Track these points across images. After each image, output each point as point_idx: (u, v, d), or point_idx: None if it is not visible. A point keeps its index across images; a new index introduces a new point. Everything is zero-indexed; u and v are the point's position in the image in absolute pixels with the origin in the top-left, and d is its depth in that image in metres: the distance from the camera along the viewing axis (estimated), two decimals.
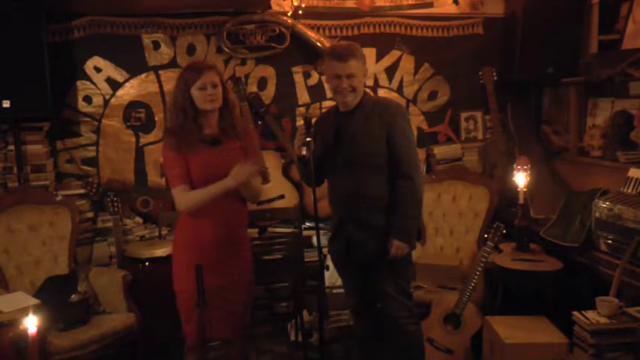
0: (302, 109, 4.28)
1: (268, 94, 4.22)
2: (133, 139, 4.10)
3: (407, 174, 2.68)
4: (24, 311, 2.67)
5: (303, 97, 4.28)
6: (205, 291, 2.48)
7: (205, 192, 2.58)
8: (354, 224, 2.75)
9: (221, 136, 2.68)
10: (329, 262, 4.13)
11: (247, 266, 2.82)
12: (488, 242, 3.25)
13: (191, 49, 4.10)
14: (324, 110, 4.06)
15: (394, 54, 4.33)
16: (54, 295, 3.22)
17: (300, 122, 4.22)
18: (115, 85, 4.03)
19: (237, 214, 2.76)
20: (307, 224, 4.10)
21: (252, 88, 4.18)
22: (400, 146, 2.68)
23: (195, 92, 2.58)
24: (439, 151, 4.31)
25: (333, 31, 4.21)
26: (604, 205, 3.04)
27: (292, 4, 3.98)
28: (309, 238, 4.00)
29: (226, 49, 4.06)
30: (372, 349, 2.98)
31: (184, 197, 2.61)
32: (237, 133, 2.71)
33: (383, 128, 2.67)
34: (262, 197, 4.07)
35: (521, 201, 3.53)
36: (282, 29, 4.06)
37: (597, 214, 3.09)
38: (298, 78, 4.25)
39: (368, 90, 2.81)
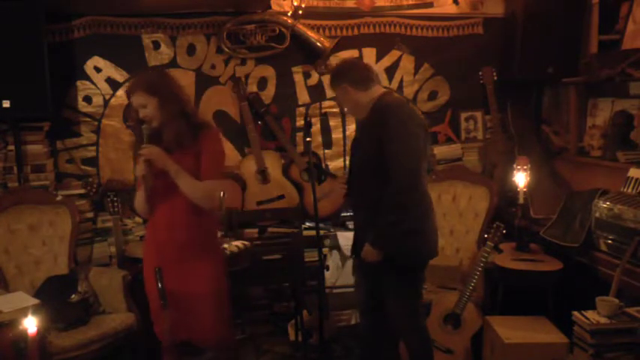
0: (302, 109, 4.28)
1: (268, 94, 4.22)
2: (133, 139, 4.10)
3: (391, 177, 2.58)
4: (24, 311, 2.67)
5: (303, 97, 4.28)
6: (167, 293, 2.49)
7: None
8: (360, 228, 2.84)
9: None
10: (329, 262, 4.14)
11: (212, 274, 2.69)
12: (488, 242, 3.24)
13: (191, 49, 4.10)
14: (323, 110, 4.23)
15: (394, 54, 4.32)
16: (54, 295, 3.22)
17: (300, 122, 4.23)
18: (115, 85, 4.03)
19: (185, 218, 2.64)
20: (307, 224, 4.10)
21: (252, 88, 4.18)
22: (389, 149, 2.59)
23: None
24: (439, 151, 4.31)
25: (333, 31, 4.21)
26: (604, 205, 3.04)
27: (292, 4, 3.97)
28: (310, 238, 3.99)
29: (226, 49, 4.06)
30: (376, 347, 2.99)
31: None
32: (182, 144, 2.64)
33: (375, 133, 2.63)
34: (262, 197, 4.09)
35: (521, 201, 3.54)
36: (282, 29, 4.06)
37: (597, 214, 3.09)
38: (298, 78, 4.25)
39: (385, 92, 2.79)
